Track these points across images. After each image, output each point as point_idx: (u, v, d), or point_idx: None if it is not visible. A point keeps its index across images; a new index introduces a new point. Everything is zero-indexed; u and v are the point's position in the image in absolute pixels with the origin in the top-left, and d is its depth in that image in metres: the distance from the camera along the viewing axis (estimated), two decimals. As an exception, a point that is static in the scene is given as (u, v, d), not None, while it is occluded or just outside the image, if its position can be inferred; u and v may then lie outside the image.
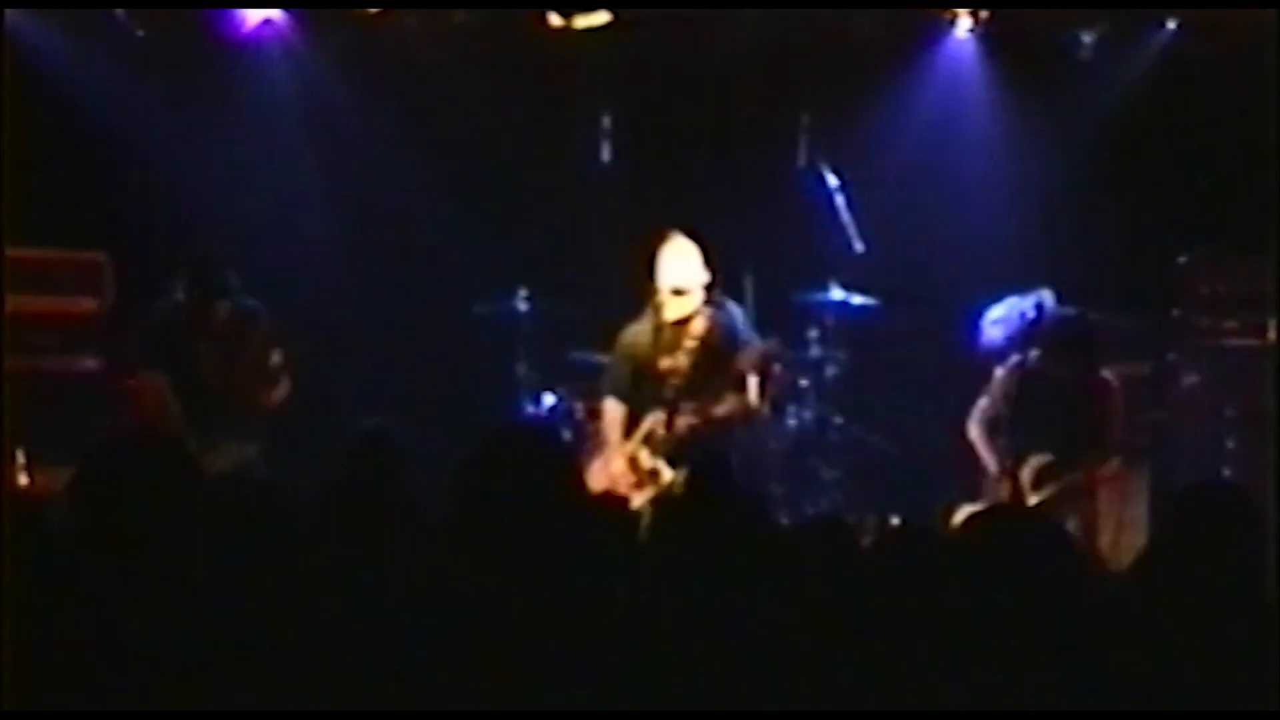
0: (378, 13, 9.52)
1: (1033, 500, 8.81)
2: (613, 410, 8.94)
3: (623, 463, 8.78)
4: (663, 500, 8.26)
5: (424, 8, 9.99)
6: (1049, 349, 8.92)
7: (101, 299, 9.80)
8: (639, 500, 8.47)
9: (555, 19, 9.65)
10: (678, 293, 8.77)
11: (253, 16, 9.60)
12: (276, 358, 8.87)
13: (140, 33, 9.79)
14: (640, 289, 8.89)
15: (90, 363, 9.69)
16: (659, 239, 8.82)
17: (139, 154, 10.06)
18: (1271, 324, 9.81)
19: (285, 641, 3.96)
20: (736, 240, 9.54)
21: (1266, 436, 9.44)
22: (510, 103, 10.42)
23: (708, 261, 8.82)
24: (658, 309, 8.84)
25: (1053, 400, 8.84)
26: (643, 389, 8.88)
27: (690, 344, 8.79)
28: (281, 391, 8.91)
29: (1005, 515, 3.90)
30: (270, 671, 3.89)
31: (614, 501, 8.17)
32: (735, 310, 9.10)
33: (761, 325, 9.17)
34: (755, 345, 8.78)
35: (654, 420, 8.76)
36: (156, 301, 9.13)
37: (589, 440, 9.29)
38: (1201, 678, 4.09)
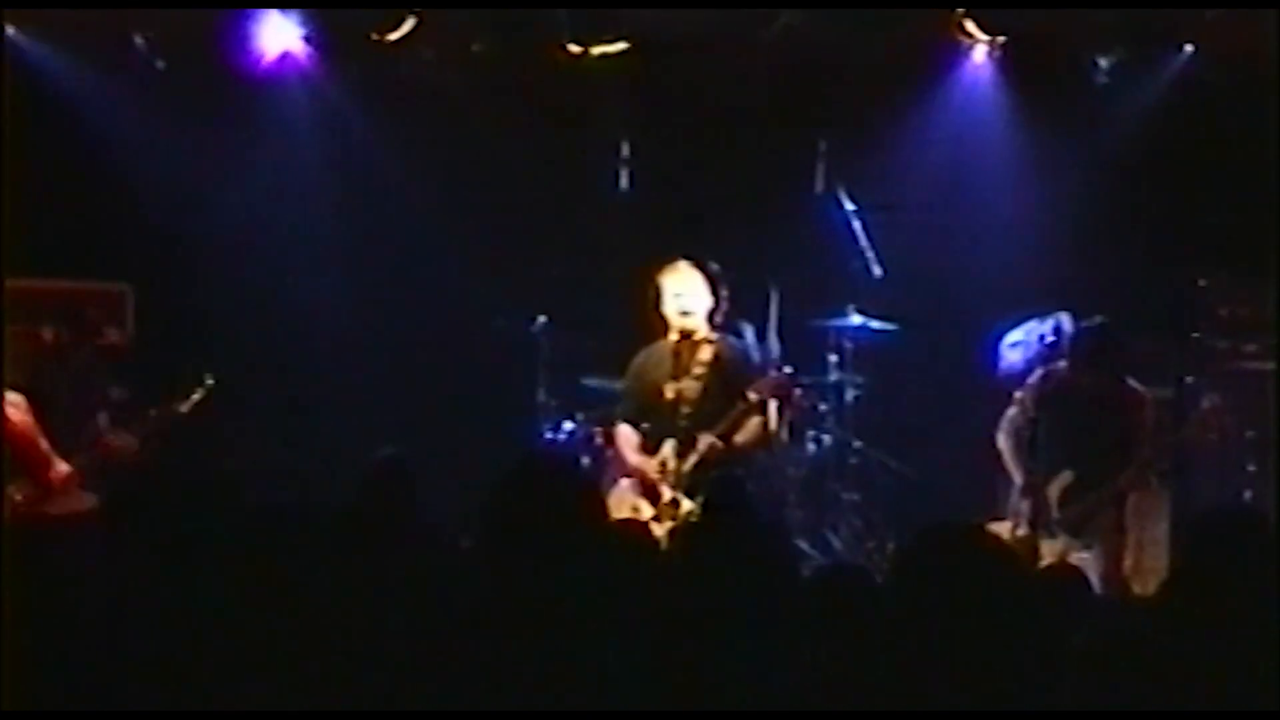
0: (396, 42, 9.53)
1: (1056, 517, 8.80)
2: (626, 436, 8.93)
3: (641, 495, 8.77)
4: (681, 528, 8.25)
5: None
6: (1075, 360, 8.92)
7: (125, 329, 9.82)
8: (659, 531, 8.45)
9: (573, 46, 9.65)
10: (684, 314, 8.79)
11: (272, 50, 9.60)
12: (118, 392, 8.82)
13: (161, 64, 9.81)
14: (648, 318, 8.92)
15: (115, 391, 9.67)
16: (663, 266, 8.85)
17: (162, 185, 10.10)
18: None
19: (311, 670, 3.99)
20: (755, 266, 9.56)
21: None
22: (528, 131, 10.46)
23: (713, 288, 8.83)
24: (665, 333, 8.86)
25: (1082, 413, 8.82)
26: (655, 416, 8.88)
27: (699, 370, 8.80)
28: (130, 448, 8.79)
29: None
30: (294, 693, 3.92)
31: (635, 528, 8.19)
32: (747, 332, 9.11)
33: (781, 349, 9.19)
34: (769, 375, 8.78)
35: (668, 451, 8.76)
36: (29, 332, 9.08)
37: (608, 466, 9.30)
38: (1225, 702, 4.09)
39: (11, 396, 8.48)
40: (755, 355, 9.01)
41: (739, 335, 9.03)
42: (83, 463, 8.54)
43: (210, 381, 8.82)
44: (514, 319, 9.88)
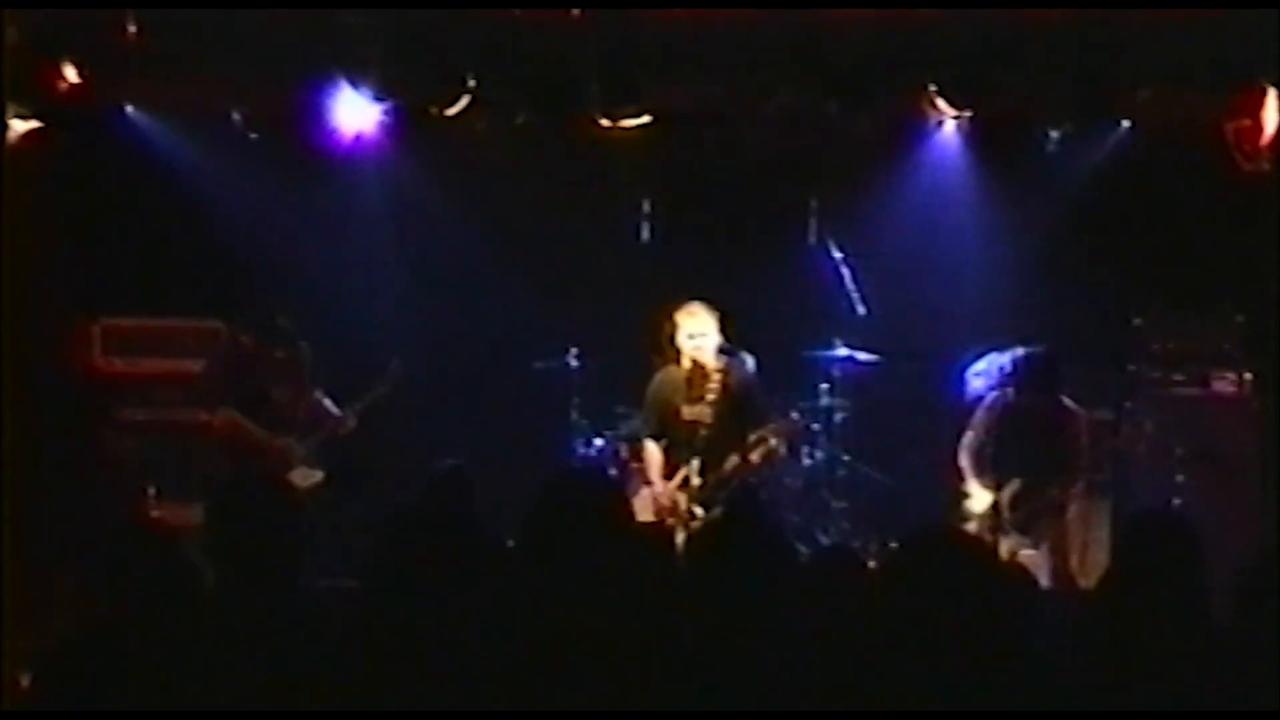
0: (453, 116, 9.61)
1: (1009, 517, 8.84)
2: (652, 453, 9.01)
3: (665, 504, 8.83)
4: (699, 529, 8.32)
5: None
6: (1019, 382, 8.99)
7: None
8: (678, 535, 8.52)
9: (603, 119, 9.73)
10: (696, 349, 8.87)
11: (347, 123, 9.69)
12: (319, 394, 8.97)
13: (254, 136, 9.90)
14: (664, 350, 9.01)
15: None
16: (678, 307, 8.95)
17: (253, 239, 10.18)
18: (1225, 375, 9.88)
19: (376, 651, 4.04)
20: (757, 306, 9.63)
21: (1209, 471, 9.51)
22: (563, 190, 10.50)
23: (721, 324, 8.92)
24: (680, 358, 8.94)
25: (1027, 430, 8.90)
26: (674, 435, 8.95)
27: (711, 395, 8.86)
28: (350, 424, 9.01)
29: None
30: (358, 675, 3.99)
31: (658, 530, 8.26)
32: (747, 360, 9.19)
33: (777, 379, 9.27)
34: (781, 420, 8.89)
35: (690, 469, 8.84)
36: (225, 345, 9.25)
37: (632, 477, 9.37)
38: (1156, 679, 4.14)
39: (223, 412, 8.79)
40: (756, 377, 9.11)
41: (741, 361, 9.11)
42: (313, 442, 8.83)
43: (399, 365, 9.01)
44: (551, 360, 9.95)
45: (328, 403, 9.03)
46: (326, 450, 9.02)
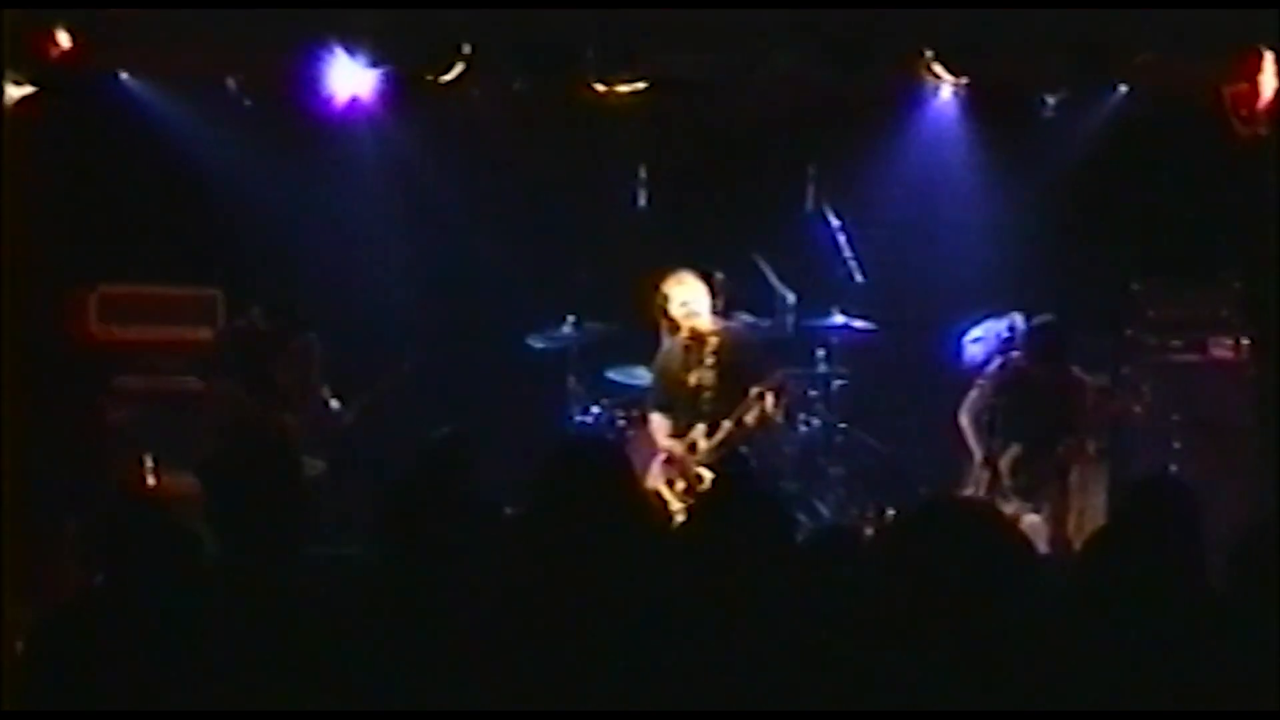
0: (448, 84, 9.59)
1: (1009, 483, 8.87)
2: (658, 422, 9.04)
3: (674, 469, 8.87)
4: (694, 501, 8.35)
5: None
6: (1028, 351, 9.01)
7: (216, 329, 9.89)
8: (679, 505, 8.56)
9: (599, 85, 9.72)
10: (689, 316, 8.88)
11: (342, 89, 9.67)
12: (326, 391, 8.98)
13: (248, 103, 9.89)
14: (658, 320, 9.02)
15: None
16: (667, 276, 8.97)
17: (249, 206, 10.16)
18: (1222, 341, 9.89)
19: (377, 618, 4.06)
20: (754, 273, 9.63)
21: (1206, 437, 9.53)
22: (559, 157, 10.49)
23: (711, 288, 8.94)
24: (677, 328, 8.95)
25: (1031, 396, 8.92)
26: (681, 403, 8.97)
27: (710, 359, 8.88)
28: (347, 420, 9.02)
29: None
30: (359, 643, 4.00)
31: (660, 500, 8.31)
32: (748, 320, 9.19)
33: (774, 346, 9.28)
34: (772, 374, 8.90)
35: (698, 433, 8.87)
36: (238, 321, 9.27)
37: (629, 445, 9.38)
38: (1148, 645, 4.15)
39: (223, 384, 8.88)
40: (755, 335, 9.12)
41: (739, 321, 9.13)
42: (309, 429, 8.75)
43: (409, 363, 8.94)
44: (550, 333, 9.95)
45: (333, 402, 9.02)
46: (327, 441, 8.99)
